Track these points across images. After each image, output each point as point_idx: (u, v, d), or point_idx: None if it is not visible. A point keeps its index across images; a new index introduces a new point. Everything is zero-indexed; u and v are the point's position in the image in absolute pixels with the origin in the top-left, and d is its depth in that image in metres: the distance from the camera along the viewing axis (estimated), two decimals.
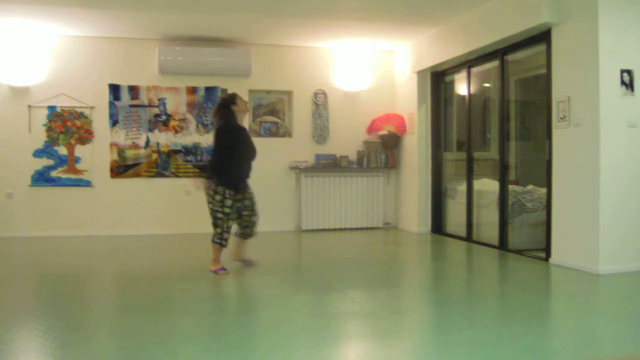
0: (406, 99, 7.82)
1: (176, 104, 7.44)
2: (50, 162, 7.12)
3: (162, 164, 7.41)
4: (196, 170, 7.47)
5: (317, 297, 4.18)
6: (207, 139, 7.48)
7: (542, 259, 5.37)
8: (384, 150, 7.97)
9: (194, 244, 6.48)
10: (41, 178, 7.09)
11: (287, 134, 7.97)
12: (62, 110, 7.12)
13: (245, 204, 4.93)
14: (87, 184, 7.22)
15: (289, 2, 5.89)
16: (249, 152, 4.92)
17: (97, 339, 3.19)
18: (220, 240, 4.80)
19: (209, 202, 4.78)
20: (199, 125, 7.51)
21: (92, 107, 7.22)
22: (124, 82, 7.29)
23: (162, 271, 5.01)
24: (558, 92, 5.11)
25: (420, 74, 7.52)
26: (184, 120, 7.45)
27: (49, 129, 7.09)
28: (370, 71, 8.07)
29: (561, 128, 5.08)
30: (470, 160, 6.73)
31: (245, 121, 7.69)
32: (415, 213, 7.64)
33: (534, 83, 6.65)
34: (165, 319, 3.54)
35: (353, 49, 7.94)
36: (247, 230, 5.03)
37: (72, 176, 7.19)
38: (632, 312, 3.74)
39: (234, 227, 5.02)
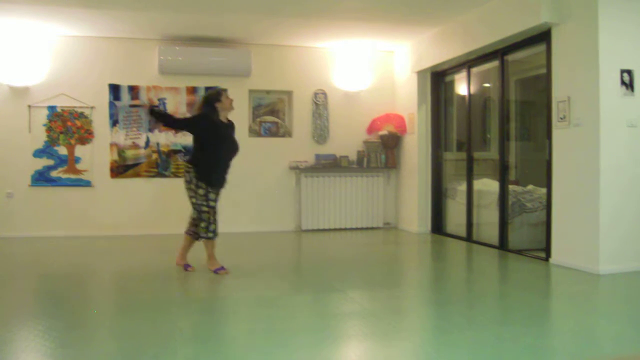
0: (406, 99, 7.82)
1: (176, 104, 7.43)
2: (50, 162, 7.12)
3: (162, 164, 7.41)
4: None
5: (317, 297, 4.19)
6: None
7: (542, 259, 5.37)
8: (384, 150, 7.97)
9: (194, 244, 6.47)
10: (41, 178, 7.09)
11: (287, 134, 7.97)
12: (62, 110, 7.12)
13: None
14: (87, 184, 7.22)
15: (289, 2, 5.89)
16: (227, 149, 4.82)
17: (97, 339, 3.19)
18: (207, 234, 4.73)
19: (191, 197, 4.71)
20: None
21: (92, 107, 7.22)
22: (124, 82, 7.29)
23: (161, 271, 5.01)
24: (558, 92, 5.11)
25: (420, 74, 7.52)
26: None
27: (49, 129, 7.09)
28: (370, 71, 8.07)
29: (561, 128, 5.07)
30: (470, 160, 6.73)
31: (245, 121, 7.75)
32: (415, 213, 7.64)
33: (534, 83, 6.64)
34: (165, 319, 3.54)
35: (353, 49, 7.94)
36: (194, 229, 4.89)
37: (72, 176, 7.19)
38: (632, 312, 3.74)
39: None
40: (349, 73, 7.95)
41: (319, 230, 7.78)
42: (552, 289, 4.63)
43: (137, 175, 7.35)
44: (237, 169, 7.49)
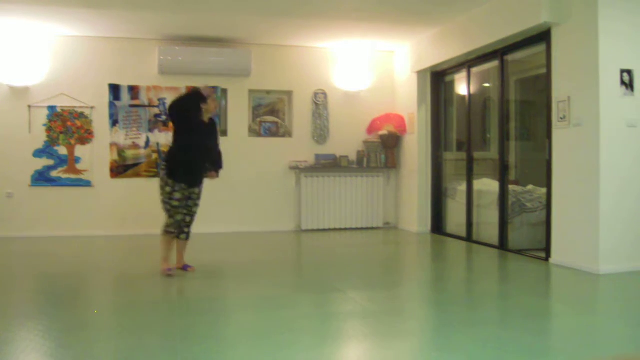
0: (406, 99, 7.82)
1: None
2: (50, 162, 7.12)
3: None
4: None
5: (317, 297, 4.18)
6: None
7: (542, 259, 5.37)
8: (384, 150, 7.96)
9: (193, 244, 6.46)
10: (41, 178, 7.09)
11: (287, 134, 7.97)
12: (62, 110, 7.12)
13: (188, 203, 4.81)
14: (87, 184, 7.22)
15: (289, 2, 5.89)
16: (200, 148, 4.75)
17: (97, 338, 3.19)
18: (167, 228, 4.70)
19: (160, 193, 4.71)
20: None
21: (92, 107, 7.22)
22: (124, 82, 7.29)
23: (160, 271, 5.00)
24: (558, 92, 5.11)
25: (420, 74, 7.52)
26: None
27: (49, 129, 7.09)
28: (370, 71, 8.07)
29: (561, 128, 5.08)
30: (470, 160, 6.73)
31: (245, 121, 7.75)
32: (415, 213, 7.64)
33: (534, 83, 6.65)
34: (165, 319, 3.55)
35: (353, 49, 7.94)
36: (178, 230, 4.84)
37: (72, 176, 7.19)
38: (632, 312, 3.74)
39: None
40: (349, 73, 7.95)
41: (319, 230, 7.78)
42: (552, 289, 4.63)
43: (137, 175, 7.35)
44: (237, 169, 7.54)
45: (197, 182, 4.82)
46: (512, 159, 6.42)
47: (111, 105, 7.27)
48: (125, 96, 7.29)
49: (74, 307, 3.90)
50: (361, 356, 3.00)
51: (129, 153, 7.32)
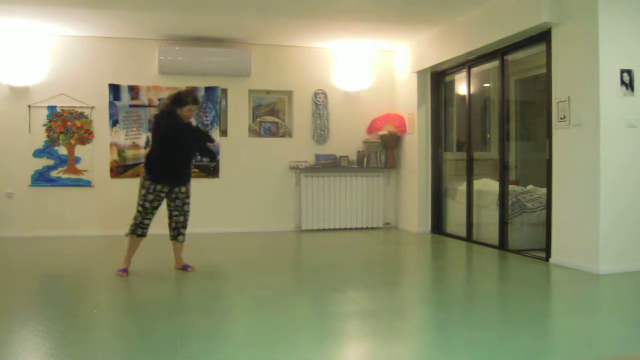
0: (406, 99, 7.82)
1: None
2: (50, 162, 7.12)
3: None
4: (196, 170, 7.48)
5: (317, 297, 4.19)
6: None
7: (542, 259, 5.37)
8: (384, 150, 7.96)
9: (193, 243, 6.47)
10: (41, 178, 7.09)
11: (287, 134, 7.97)
12: (62, 110, 7.12)
13: (176, 203, 4.83)
14: (87, 184, 7.22)
15: (289, 2, 5.89)
16: (181, 148, 4.75)
17: (97, 338, 3.19)
18: (130, 228, 4.74)
19: (137, 194, 4.75)
20: (199, 125, 7.50)
21: (92, 107, 7.22)
22: (124, 82, 7.29)
23: (162, 271, 5.01)
24: (558, 92, 5.11)
25: (420, 74, 7.51)
26: None
27: (49, 129, 7.09)
28: (370, 71, 8.07)
29: (561, 128, 5.08)
30: (470, 160, 6.73)
31: (245, 121, 7.75)
32: (415, 213, 7.64)
33: (534, 83, 6.65)
34: (165, 319, 3.54)
35: (353, 49, 7.94)
36: (174, 232, 4.90)
37: (72, 176, 7.19)
38: (632, 312, 3.74)
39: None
40: (349, 73, 7.95)
41: (319, 230, 7.78)
42: (552, 289, 4.63)
43: (137, 175, 7.25)
44: (237, 169, 7.55)
45: (177, 182, 4.79)
46: (512, 159, 6.42)
47: (111, 105, 7.27)
48: (125, 96, 7.29)
49: (74, 307, 3.90)
50: (361, 356, 3.00)
51: (129, 153, 7.32)
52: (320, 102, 7.90)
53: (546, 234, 5.34)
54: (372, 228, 7.98)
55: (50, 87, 7.08)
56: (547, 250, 5.29)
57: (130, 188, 7.25)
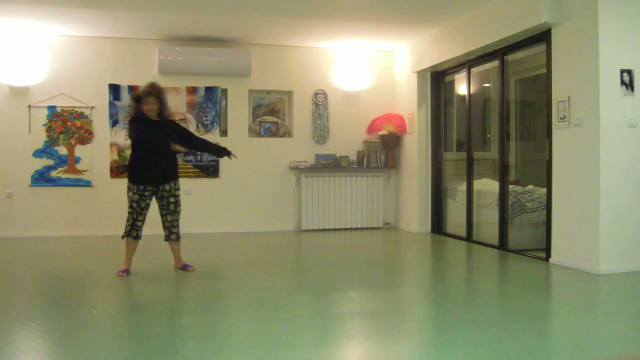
0: (406, 99, 7.82)
1: (176, 104, 7.42)
2: (50, 162, 7.12)
3: None
4: (196, 170, 7.48)
5: (317, 296, 4.19)
6: (207, 139, 7.46)
7: (542, 259, 5.37)
8: (384, 150, 7.96)
9: (192, 243, 6.47)
10: (41, 178, 7.09)
11: (287, 134, 7.97)
12: (62, 110, 7.12)
13: (163, 202, 4.83)
14: (87, 184, 7.22)
15: (289, 2, 5.89)
16: (155, 147, 4.75)
17: (97, 338, 3.19)
18: (124, 232, 4.82)
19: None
20: (199, 125, 7.51)
21: (92, 107, 7.22)
22: (124, 82, 7.29)
23: (161, 271, 5.01)
24: (558, 92, 5.11)
25: (420, 74, 7.52)
26: (183, 120, 7.43)
27: (49, 129, 7.09)
28: (370, 71, 8.07)
29: (561, 128, 5.08)
30: (470, 160, 6.73)
31: (245, 121, 7.75)
32: (415, 213, 7.64)
33: (534, 83, 6.65)
34: (165, 318, 3.55)
35: (353, 49, 7.94)
36: (165, 231, 4.91)
37: (72, 176, 7.19)
38: (632, 312, 3.74)
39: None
40: (349, 73, 7.95)
41: (319, 230, 7.78)
42: (552, 288, 4.63)
43: None
44: (238, 169, 7.54)
45: (158, 180, 4.78)
46: (512, 159, 6.42)
47: (111, 105, 7.27)
48: (125, 96, 7.29)
49: (74, 307, 3.90)
50: (361, 356, 3.00)
51: (129, 153, 7.30)
52: (320, 102, 7.90)
53: (546, 234, 5.34)
54: (372, 228, 7.98)
55: (50, 87, 7.08)
56: (547, 250, 5.29)
57: None
